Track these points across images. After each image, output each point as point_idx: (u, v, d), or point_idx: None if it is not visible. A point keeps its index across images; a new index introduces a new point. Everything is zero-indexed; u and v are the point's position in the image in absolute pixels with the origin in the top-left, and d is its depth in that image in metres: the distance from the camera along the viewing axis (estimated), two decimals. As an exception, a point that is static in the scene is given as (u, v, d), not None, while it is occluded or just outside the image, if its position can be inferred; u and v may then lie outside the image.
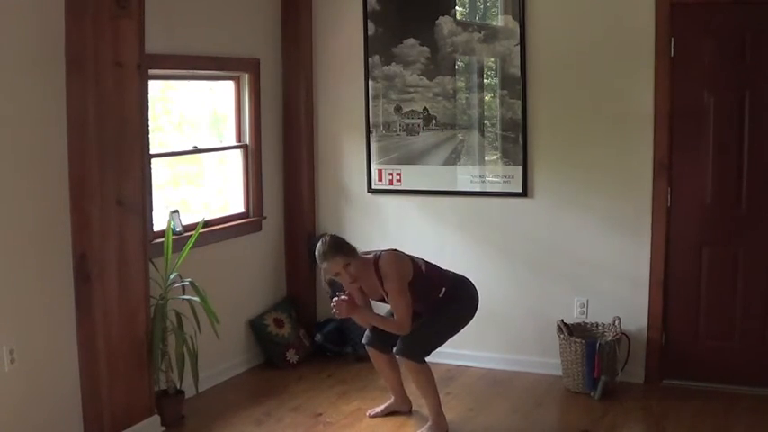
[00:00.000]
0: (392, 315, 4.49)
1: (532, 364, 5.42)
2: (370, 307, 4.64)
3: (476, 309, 4.62)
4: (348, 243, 4.47)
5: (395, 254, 4.48)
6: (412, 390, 4.71)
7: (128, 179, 4.26)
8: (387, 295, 4.43)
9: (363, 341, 4.73)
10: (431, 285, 4.50)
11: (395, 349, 4.48)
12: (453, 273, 4.63)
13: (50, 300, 4.13)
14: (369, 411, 4.79)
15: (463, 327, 4.61)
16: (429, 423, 4.52)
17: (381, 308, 4.65)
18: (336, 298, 4.48)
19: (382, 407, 4.79)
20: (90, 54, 4.06)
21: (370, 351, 4.70)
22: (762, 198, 4.90)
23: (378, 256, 4.43)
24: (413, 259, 4.50)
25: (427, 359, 4.51)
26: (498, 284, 5.44)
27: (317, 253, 4.42)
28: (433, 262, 4.62)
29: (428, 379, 4.49)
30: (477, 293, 4.63)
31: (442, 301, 4.51)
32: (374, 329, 4.61)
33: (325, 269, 4.43)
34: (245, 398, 5.09)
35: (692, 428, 4.53)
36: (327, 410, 4.87)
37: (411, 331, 4.41)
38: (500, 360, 5.51)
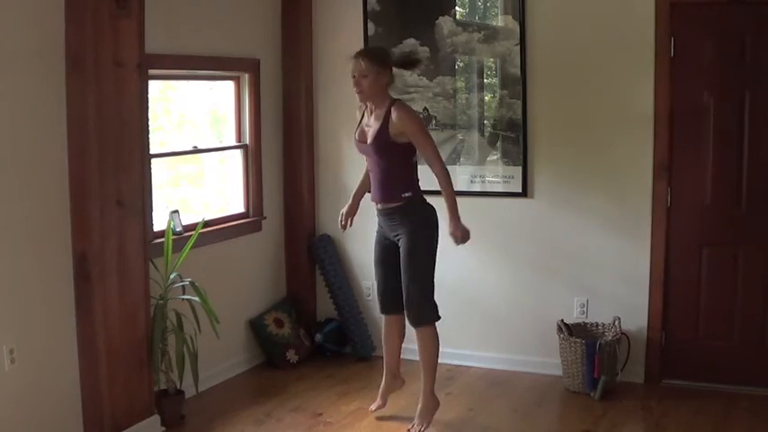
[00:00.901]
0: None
1: (532, 364, 5.42)
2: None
3: (437, 227, 4.51)
4: (386, 58, 4.44)
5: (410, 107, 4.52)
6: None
7: (128, 179, 4.26)
8: (375, 134, 4.37)
9: (380, 311, 4.72)
10: (407, 173, 4.46)
11: (413, 324, 4.48)
12: (420, 188, 4.55)
13: (50, 300, 4.13)
14: (371, 406, 4.80)
15: (436, 252, 4.51)
16: (420, 406, 4.54)
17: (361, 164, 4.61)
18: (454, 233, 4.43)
19: (379, 398, 4.80)
20: (90, 54, 4.06)
21: (388, 319, 4.70)
22: (762, 198, 4.91)
23: (394, 100, 4.43)
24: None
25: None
26: (498, 284, 5.44)
27: None
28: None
29: (437, 350, 4.51)
30: (436, 213, 4.51)
31: (402, 205, 4.43)
32: (383, 294, 4.64)
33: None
34: (245, 398, 5.09)
35: (692, 428, 4.53)
36: (327, 410, 4.87)
37: (408, 299, 4.42)
38: (500, 360, 5.51)
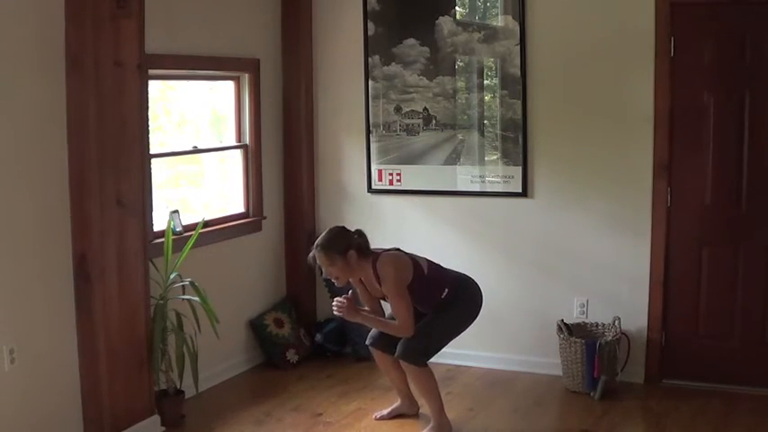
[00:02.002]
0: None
1: (532, 364, 5.42)
2: (377, 303, 4.58)
3: (479, 310, 4.57)
4: (344, 241, 4.36)
5: (393, 255, 4.43)
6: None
7: (128, 179, 4.26)
8: (388, 294, 4.40)
9: (367, 342, 4.71)
10: (433, 286, 4.46)
11: (396, 353, 4.45)
12: (457, 273, 4.59)
13: (50, 300, 4.13)
14: (375, 414, 4.75)
15: (465, 328, 4.57)
16: (431, 425, 4.49)
17: (386, 306, 4.62)
18: (338, 298, 4.47)
19: (388, 410, 4.75)
20: (90, 54, 4.06)
21: (374, 352, 4.69)
22: (762, 198, 4.90)
23: (376, 257, 4.40)
24: (415, 259, 4.46)
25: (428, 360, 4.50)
26: (498, 284, 5.44)
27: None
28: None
29: (428, 382, 4.45)
30: (480, 294, 4.58)
31: (444, 301, 4.47)
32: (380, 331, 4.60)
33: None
34: (245, 398, 5.09)
35: (692, 428, 4.53)
36: (327, 410, 4.87)
37: (413, 336, 4.38)
38: (500, 360, 5.51)
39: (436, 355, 4.56)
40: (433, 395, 4.47)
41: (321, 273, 4.61)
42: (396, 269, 4.35)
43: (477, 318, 4.60)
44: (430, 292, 4.46)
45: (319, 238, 4.43)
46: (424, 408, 4.67)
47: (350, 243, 4.37)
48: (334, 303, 4.49)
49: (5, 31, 3.83)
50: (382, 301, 4.58)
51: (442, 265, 4.59)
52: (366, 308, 4.61)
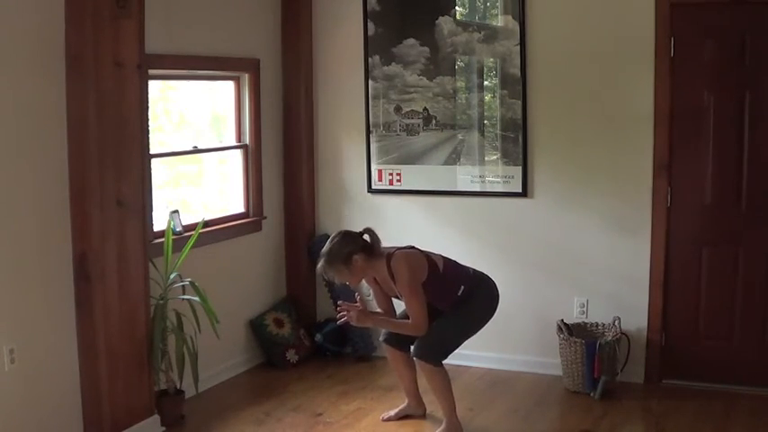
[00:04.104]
0: (407, 316, 4.42)
1: (532, 364, 5.42)
2: (390, 302, 4.56)
3: (495, 308, 4.55)
4: (345, 249, 4.32)
5: (406, 253, 4.39)
6: (423, 388, 4.70)
7: (128, 179, 4.26)
8: (402, 291, 4.37)
9: (381, 338, 4.69)
10: (448, 284, 4.43)
11: (411, 351, 4.43)
12: (474, 270, 4.56)
13: (50, 300, 4.13)
14: (383, 415, 4.73)
15: (482, 326, 4.54)
16: (443, 426, 4.47)
17: (399, 305, 4.58)
18: (343, 303, 4.45)
19: (395, 411, 4.74)
20: (90, 54, 4.06)
21: (387, 349, 4.65)
22: (762, 198, 4.90)
23: (390, 255, 4.36)
24: (429, 257, 4.42)
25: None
26: (498, 284, 5.41)
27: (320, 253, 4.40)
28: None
29: (444, 382, 4.42)
30: (497, 291, 4.56)
31: (460, 299, 4.44)
32: None
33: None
34: (245, 398, 5.09)
35: (692, 428, 4.53)
36: (327, 410, 4.87)
37: (428, 332, 4.35)
38: (500, 360, 5.51)
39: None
40: (447, 395, 4.44)
41: (330, 285, 4.55)
42: (410, 267, 4.32)
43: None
44: (446, 290, 4.43)
45: (324, 246, 4.39)
46: (430, 407, 4.68)
47: (353, 248, 4.33)
48: (340, 307, 4.47)
49: (5, 31, 3.83)
50: (395, 299, 4.54)
51: (458, 261, 4.56)
52: (378, 309, 4.59)
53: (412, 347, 4.43)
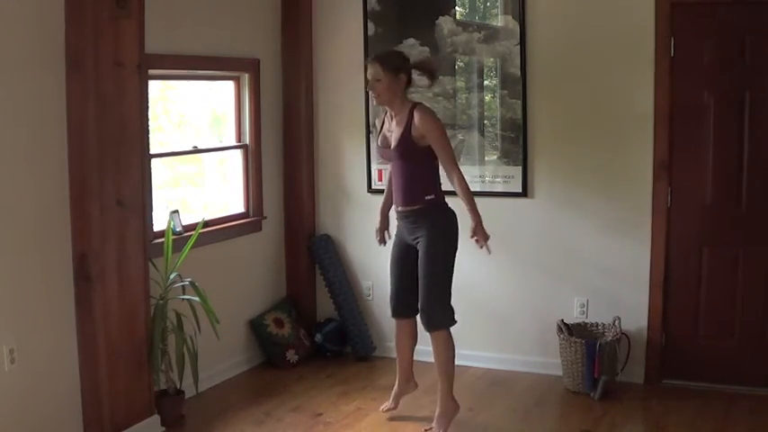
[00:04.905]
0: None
1: (532, 364, 5.42)
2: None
3: (457, 235, 4.49)
4: (400, 61, 4.43)
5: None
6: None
7: (128, 179, 4.26)
8: (399, 139, 4.36)
9: (391, 315, 4.70)
10: (432, 176, 4.46)
11: (426, 327, 4.44)
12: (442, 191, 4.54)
13: (50, 300, 4.13)
14: (382, 407, 4.79)
15: (454, 259, 4.48)
16: (438, 411, 4.50)
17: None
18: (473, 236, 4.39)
19: (390, 400, 4.80)
20: (90, 54, 4.06)
21: (399, 322, 4.69)
22: (762, 198, 4.90)
23: (416, 103, 4.43)
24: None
25: (430, 358, 4.53)
26: (498, 284, 5.44)
27: None
28: None
29: (452, 355, 4.47)
30: (456, 219, 4.50)
31: (423, 208, 4.41)
32: (396, 298, 4.60)
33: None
34: (245, 398, 5.09)
35: (692, 428, 4.53)
36: (327, 410, 4.87)
37: (423, 303, 4.38)
38: (500, 360, 5.51)
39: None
40: (450, 372, 4.48)
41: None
42: (437, 118, 4.45)
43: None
44: (426, 177, 4.44)
45: (382, 51, 4.55)
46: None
47: (405, 68, 4.43)
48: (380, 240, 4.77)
49: (5, 31, 3.83)
50: (384, 150, 4.54)
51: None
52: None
53: (425, 326, 4.44)
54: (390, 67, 4.37)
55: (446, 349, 4.46)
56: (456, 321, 4.47)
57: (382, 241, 4.83)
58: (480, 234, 4.39)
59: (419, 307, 4.45)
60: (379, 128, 4.64)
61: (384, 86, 4.37)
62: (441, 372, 4.50)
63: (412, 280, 4.48)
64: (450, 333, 4.46)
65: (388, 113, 4.53)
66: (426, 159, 4.41)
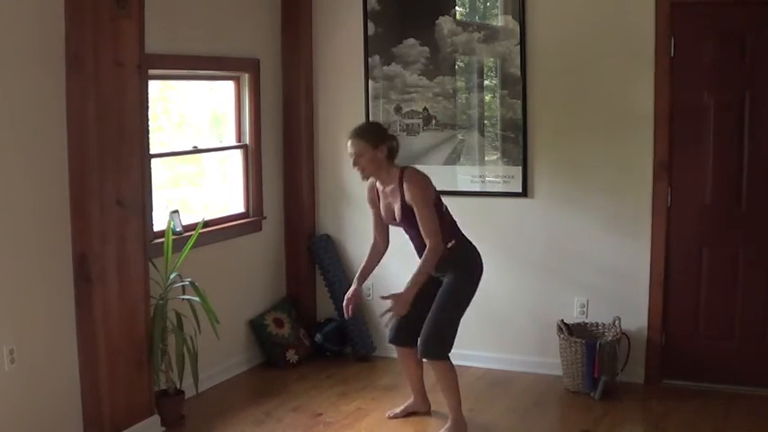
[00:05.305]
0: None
1: (532, 364, 5.42)
2: (385, 233, 4.63)
3: (479, 279, 4.51)
4: (379, 134, 4.42)
5: (420, 171, 4.46)
6: (429, 386, 4.72)
7: (128, 179, 4.26)
8: (401, 211, 4.35)
9: (389, 341, 4.68)
10: (443, 228, 4.40)
11: (419, 353, 4.44)
12: (464, 234, 4.54)
13: (50, 300, 4.13)
14: (388, 413, 4.76)
15: (469, 301, 4.49)
16: (448, 424, 4.49)
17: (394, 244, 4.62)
18: (388, 297, 4.34)
19: (401, 408, 4.76)
20: (90, 54, 4.06)
21: (396, 349, 4.68)
22: (762, 198, 4.91)
23: (404, 168, 4.41)
24: (437, 191, 4.47)
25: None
26: (498, 284, 5.44)
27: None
28: None
29: (452, 377, 4.45)
30: (482, 261, 4.51)
31: (447, 254, 4.38)
32: (397, 325, 4.53)
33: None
34: (245, 398, 5.09)
35: (692, 428, 4.53)
36: (327, 410, 4.87)
37: (425, 329, 4.35)
38: (500, 360, 5.51)
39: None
40: (454, 392, 4.47)
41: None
42: (423, 180, 4.38)
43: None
44: (441, 229, 4.39)
45: (353, 129, 4.48)
46: (435, 405, 4.70)
47: (384, 139, 4.41)
48: (346, 308, 4.50)
49: (5, 31, 3.83)
50: (391, 226, 4.53)
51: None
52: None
53: (419, 352, 4.44)
54: (370, 141, 4.35)
55: (445, 379, 4.45)
56: (447, 357, 4.41)
57: (348, 313, 4.53)
58: (399, 305, 4.28)
59: (421, 333, 4.40)
60: (376, 201, 4.57)
61: (367, 160, 4.37)
62: (444, 394, 4.52)
63: (423, 310, 4.39)
64: (448, 363, 4.43)
65: (376, 186, 4.52)
66: (436, 211, 4.38)
